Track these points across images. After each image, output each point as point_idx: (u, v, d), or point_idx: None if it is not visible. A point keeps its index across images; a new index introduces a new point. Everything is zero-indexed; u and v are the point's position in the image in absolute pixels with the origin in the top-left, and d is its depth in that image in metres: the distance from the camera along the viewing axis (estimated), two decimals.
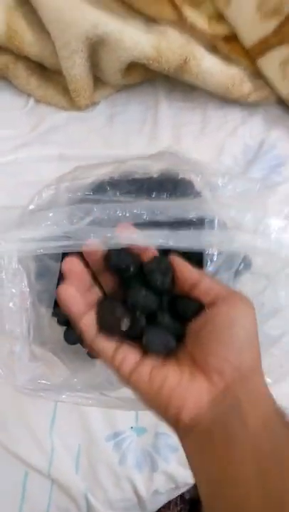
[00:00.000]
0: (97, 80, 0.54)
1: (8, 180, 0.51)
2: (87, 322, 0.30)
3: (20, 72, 0.52)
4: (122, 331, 0.29)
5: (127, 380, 0.28)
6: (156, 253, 0.32)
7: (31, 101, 0.55)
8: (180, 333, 0.31)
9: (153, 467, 0.41)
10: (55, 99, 0.54)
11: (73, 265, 0.31)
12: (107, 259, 0.31)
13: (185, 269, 0.31)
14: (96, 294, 0.32)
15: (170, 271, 0.31)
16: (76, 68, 0.49)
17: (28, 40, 0.49)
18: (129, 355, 0.29)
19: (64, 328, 0.40)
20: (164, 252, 0.33)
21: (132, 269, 0.31)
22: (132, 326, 0.30)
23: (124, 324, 0.29)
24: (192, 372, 0.28)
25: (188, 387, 0.27)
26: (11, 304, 0.35)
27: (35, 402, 0.42)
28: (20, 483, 0.40)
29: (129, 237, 0.32)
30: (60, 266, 0.33)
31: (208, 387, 0.27)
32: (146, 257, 0.32)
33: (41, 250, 0.32)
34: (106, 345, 0.29)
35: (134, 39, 0.47)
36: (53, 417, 0.42)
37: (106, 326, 0.30)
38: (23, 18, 0.48)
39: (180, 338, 0.31)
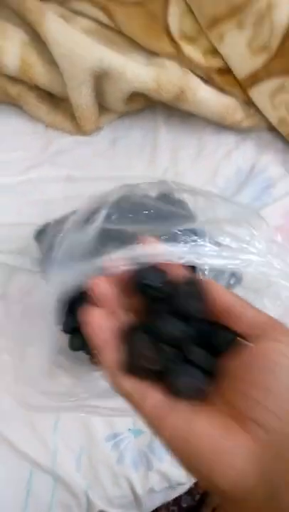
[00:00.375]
0: (102, 107, 0.58)
1: (19, 199, 0.55)
2: (112, 356, 0.25)
3: (32, 100, 0.56)
4: (150, 371, 0.25)
5: (156, 429, 0.24)
6: (186, 272, 0.29)
7: (41, 126, 0.59)
8: (211, 370, 0.26)
9: (148, 466, 0.44)
10: (63, 124, 0.58)
11: (102, 287, 0.27)
12: (135, 277, 0.28)
13: (221, 293, 0.27)
14: (120, 318, 0.28)
15: (203, 294, 0.27)
16: (82, 97, 0.54)
17: (39, 72, 0.53)
18: (148, 392, 0.25)
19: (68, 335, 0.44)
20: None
21: (163, 289, 0.27)
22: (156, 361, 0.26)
23: (155, 362, 0.25)
24: (226, 421, 0.23)
25: (224, 444, 0.22)
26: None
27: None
28: (26, 480, 0.43)
29: (157, 251, 0.28)
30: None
31: (249, 445, 0.22)
32: (174, 276, 0.28)
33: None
34: (124, 381, 0.25)
35: (136, 72, 0.51)
36: (56, 419, 0.45)
37: (136, 364, 0.25)
38: (36, 52, 0.53)
39: (211, 376, 0.26)
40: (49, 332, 0.31)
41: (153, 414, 0.24)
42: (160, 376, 0.25)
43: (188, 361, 0.26)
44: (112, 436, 0.45)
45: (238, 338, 0.26)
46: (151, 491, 0.45)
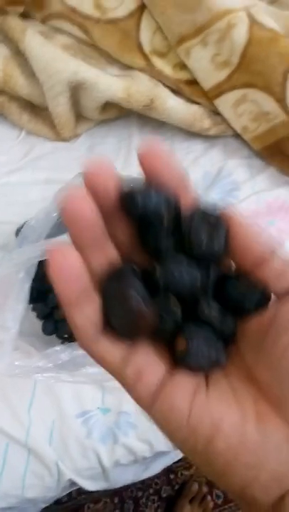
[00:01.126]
0: (79, 115, 0.63)
1: (1, 199, 0.60)
2: (87, 313, 0.19)
3: (14, 110, 0.61)
4: (142, 332, 0.19)
5: (147, 408, 0.19)
6: (203, 202, 0.21)
7: (23, 133, 0.64)
8: (232, 331, 0.21)
9: (114, 440, 0.49)
10: (44, 131, 0.63)
11: (81, 204, 0.18)
12: (126, 199, 0.19)
13: (251, 234, 0.20)
14: (106, 255, 0.20)
15: (224, 231, 0.20)
16: (60, 106, 0.59)
17: (20, 84, 0.58)
18: (148, 369, 0.19)
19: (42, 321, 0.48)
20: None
21: (166, 219, 0.20)
22: (159, 321, 0.19)
23: (150, 319, 0.19)
24: (258, 407, 0.18)
25: (259, 441, 0.17)
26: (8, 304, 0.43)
27: (17, 385, 0.50)
28: (2, 453, 0.48)
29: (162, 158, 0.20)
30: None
31: (287, 435, 0.18)
32: (187, 204, 0.20)
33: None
34: (111, 351, 0.19)
35: (108, 83, 0.56)
36: (31, 397, 0.50)
37: (118, 322, 0.19)
38: (17, 66, 0.58)
39: (231, 342, 0.21)
40: (15, 307, 0.35)
41: (150, 389, 0.19)
42: (161, 341, 0.21)
43: (201, 322, 0.20)
44: (82, 414, 0.49)
45: (269, 296, 0.20)
46: (118, 463, 0.49)
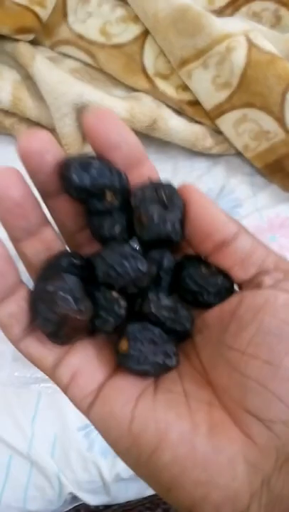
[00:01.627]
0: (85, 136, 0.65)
1: None
2: (11, 309, 0.17)
3: (23, 131, 0.64)
4: (73, 335, 0.17)
5: (85, 413, 0.18)
6: (155, 173, 0.19)
7: None
8: (185, 329, 0.18)
9: (115, 454, 0.49)
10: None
11: (7, 190, 0.16)
12: (61, 174, 0.18)
13: (211, 214, 0.17)
14: (46, 240, 0.18)
15: (180, 210, 0.18)
16: (67, 127, 0.61)
17: (29, 106, 0.61)
18: (85, 371, 0.18)
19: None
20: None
21: (109, 196, 0.18)
22: (96, 316, 0.18)
23: (81, 322, 0.17)
24: (212, 415, 0.16)
25: (210, 454, 0.15)
26: None
27: (21, 398, 0.51)
28: (5, 464, 0.48)
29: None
30: None
31: (243, 448, 0.15)
32: (139, 179, 0.18)
33: None
34: (41, 351, 0.18)
35: (111, 104, 0.58)
36: (35, 410, 0.50)
37: (45, 324, 0.17)
38: (26, 89, 0.60)
39: (184, 338, 0.19)
40: None
41: (85, 392, 0.17)
42: (102, 340, 0.18)
43: (150, 318, 0.18)
44: (83, 427, 0.50)
45: (232, 284, 0.18)
46: (119, 477, 0.49)
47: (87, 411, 0.18)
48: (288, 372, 0.15)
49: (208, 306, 0.19)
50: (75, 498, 0.50)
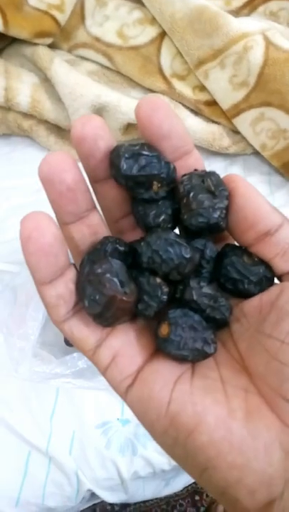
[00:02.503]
0: None
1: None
2: (59, 290, 0.18)
3: (42, 132, 0.65)
4: (118, 317, 0.18)
5: (122, 395, 0.18)
6: (202, 164, 0.19)
7: None
8: (224, 318, 0.19)
9: (133, 452, 0.49)
10: (69, 152, 0.66)
11: (60, 176, 0.17)
12: (110, 161, 0.18)
13: (255, 205, 0.18)
14: (92, 226, 0.19)
15: (227, 198, 0.18)
16: None
17: (47, 108, 0.62)
18: (125, 353, 0.18)
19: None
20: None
21: (155, 186, 0.18)
22: (139, 301, 0.18)
23: (126, 305, 0.17)
24: (249, 402, 0.17)
25: (246, 439, 0.16)
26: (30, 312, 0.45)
27: (40, 395, 0.52)
28: (24, 460, 0.49)
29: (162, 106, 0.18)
30: None
31: (280, 434, 0.16)
32: (186, 168, 0.19)
33: None
34: (85, 332, 0.18)
35: (129, 105, 0.59)
36: (53, 407, 0.51)
37: (92, 306, 0.17)
38: (45, 92, 0.61)
39: (222, 326, 0.19)
40: (35, 316, 0.37)
41: (124, 375, 0.17)
42: (144, 325, 0.19)
43: (190, 305, 0.18)
44: (101, 424, 0.50)
45: (272, 274, 0.18)
46: (136, 475, 0.49)
47: (125, 393, 0.18)
48: None
49: (248, 294, 0.19)
50: (93, 495, 0.50)
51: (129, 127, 0.63)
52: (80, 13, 0.66)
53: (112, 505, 0.87)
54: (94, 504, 0.55)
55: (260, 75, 0.58)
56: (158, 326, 0.18)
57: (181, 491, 0.75)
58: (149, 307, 0.18)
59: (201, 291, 0.18)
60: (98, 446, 0.49)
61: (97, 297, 0.17)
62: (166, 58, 0.64)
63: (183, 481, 0.59)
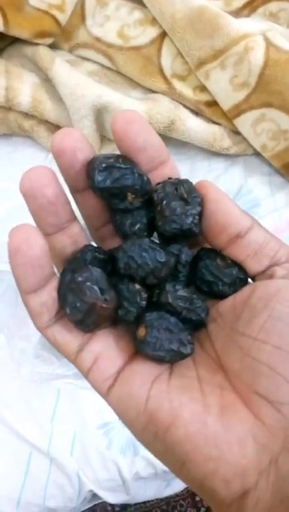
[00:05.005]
0: (104, 137, 0.66)
1: (30, 218, 0.63)
2: (43, 298, 0.18)
3: (42, 133, 0.65)
4: (99, 323, 0.18)
5: (104, 396, 0.19)
6: (176, 173, 0.20)
7: (51, 155, 0.68)
8: (200, 319, 0.19)
9: (135, 452, 0.49)
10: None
11: (41, 188, 0.18)
12: (89, 173, 0.19)
13: (226, 209, 0.18)
14: (73, 235, 0.20)
15: (199, 204, 0.19)
16: (85, 129, 0.62)
17: (48, 108, 0.62)
18: (105, 356, 0.19)
19: None
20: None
21: (130, 197, 0.19)
22: (119, 307, 0.19)
23: (106, 312, 0.18)
24: (223, 398, 0.17)
25: (221, 432, 0.16)
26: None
27: (41, 396, 0.51)
28: (25, 461, 0.49)
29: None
30: None
31: (253, 429, 0.16)
32: (161, 177, 0.20)
33: None
34: (67, 338, 0.19)
35: (130, 106, 0.59)
36: (54, 408, 0.51)
37: (73, 313, 0.18)
38: (46, 92, 0.61)
39: (199, 326, 0.20)
40: None
41: (105, 375, 0.18)
42: (124, 329, 0.19)
43: (167, 308, 0.19)
44: (102, 425, 0.50)
45: (245, 275, 0.19)
46: (138, 476, 0.49)
47: (106, 393, 0.19)
48: None
49: (222, 295, 0.20)
50: (94, 496, 0.50)
51: None
52: (80, 13, 0.66)
53: (112, 505, 0.87)
54: (94, 505, 0.55)
55: (260, 76, 0.58)
56: (136, 329, 0.19)
57: (182, 491, 0.75)
58: (129, 313, 0.19)
59: (176, 294, 0.19)
60: (99, 447, 0.49)
61: (78, 304, 0.18)
62: (167, 59, 0.64)
63: (185, 484, 0.60)
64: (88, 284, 0.18)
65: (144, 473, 0.49)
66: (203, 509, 0.91)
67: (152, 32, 0.64)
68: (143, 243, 0.19)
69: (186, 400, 0.18)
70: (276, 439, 0.16)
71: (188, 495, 0.92)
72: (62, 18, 0.64)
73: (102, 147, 0.66)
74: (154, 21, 0.64)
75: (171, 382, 0.18)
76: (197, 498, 0.92)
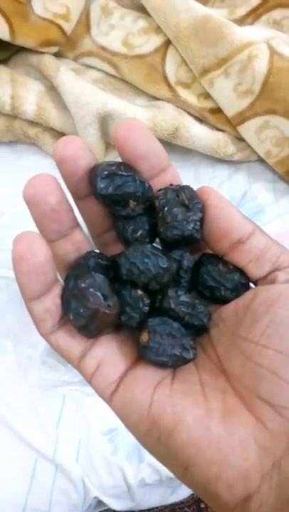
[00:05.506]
0: (108, 144, 0.66)
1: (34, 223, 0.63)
2: (46, 305, 0.18)
3: (47, 140, 0.65)
4: (102, 329, 0.18)
5: (107, 401, 0.19)
6: (178, 179, 0.20)
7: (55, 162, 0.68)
8: (203, 324, 0.19)
9: (140, 459, 0.49)
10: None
11: (44, 195, 0.18)
12: (91, 180, 0.19)
13: (228, 215, 0.18)
14: (76, 242, 0.20)
15: (200, 210, 0.19)
16: (90, 136, 0.62)
17: (53, 116, 0.62)
18: (108, 361, 0.19)
19: None
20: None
21: (132, 204, 0.19)
22: (122, 313, 0.19)
23: (110, 318, 0.18)
24: (226, 402, 0.17)
25: (223, 436, 0.16)
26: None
27: (46, 402, 0.52)
28: (31, 467, 0.49)
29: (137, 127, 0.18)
30: None
31: (256, 433, 0.16)
32: (163, 184, 0.20)
33: None
34: (70, 343, 0.19)
35: (134, 113, 0.59)
36: (60, 414, 0.51)
37: (77, 319, 0.18)
38: (51, 100, 0.62)
39: (202, 331, 0.20)
40: None
41: (108, 381, 0.18)
42: (127, 334, 0.20)
43: (169, 313, 0.19)
44: (108, 431, 0.50)
45: (247, 280, 0.19)
46: (143, 482, 0.49)
47: (109, 398, 0.19)
48: None
49: (224, 301, 0.20)
50: (99, 502, 0.50)
51: None
52: (85, 23, 0.67)
53: None
54: (99, 511, 0.55)
55: (264, 84, 0.58)
56: (139, 334, 0.19)
57: (187, 498, 0.74)
58: (132, 318, 0.19)
59: (178, 299, 0.19)
60: (105, 453, 0.49)
61: (82, 311, 0.18)
62: (171, 67, 0.64)
63: (189, 488, 0.59)
64: (91, 290, 0.18)
65: (149, 479, 0.49)
66: None
67: (157, 40, 0.64)
68: (145, 249, 0.19)
69: (188, 404, 0.18)
70: (279, 443, 0.16)
71: (193, 502, 0.91)
72: (68, 27, 0.65)
73: (107, 154, 0.67)
74: (158, 30, 0.64)
75: (173, 386, 0.19)
76: (202, 505, 0.92)
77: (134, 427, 0.18)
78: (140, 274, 0.18)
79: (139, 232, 0.20)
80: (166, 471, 0.50)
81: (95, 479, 0.48)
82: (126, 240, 0.20)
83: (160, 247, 0.20)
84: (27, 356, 0.45)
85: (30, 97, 0.62)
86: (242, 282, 0.20)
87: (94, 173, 0.19)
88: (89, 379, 0.19)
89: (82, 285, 0.18)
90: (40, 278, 0.18)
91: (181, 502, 0.91)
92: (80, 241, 0.20)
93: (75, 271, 0.19)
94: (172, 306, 0.19)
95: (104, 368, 0.19)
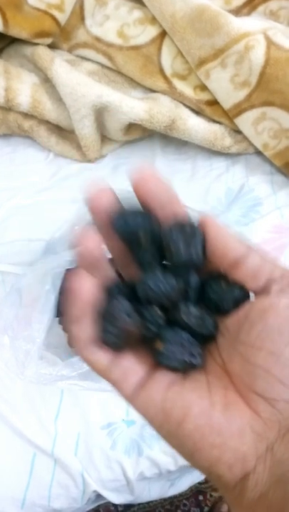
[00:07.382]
0: (104, 137, 0.66)
1: (31, 217, 0.63)
2: (84, 328, 0.21)
3: (43, 133, 0.65)
4: (129, 343, 0.22)
5: (132, 403, 0.22)
6: (184, 214, 0.23)
7: (51, 155, 0.67)
8: (211, 333, 0.23)
9: (139, 453, 0.49)
10: (70, 153, 0.66)
11: (88, 246, 0.22)
12: (110, 222, 0.22)
13: (225, 239, 0.21)
14: (105, 274, 0.23)
15: (201, 239, 0.22)
16: (86, 129, 0.62)
17: (48, 109, 0.61)
18: (131, 370, 0.22)
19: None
20: None
21: (142, 238, 0.22)
22: (144, 330, 0.22)
23: (135, 333, 0.22)
24: (227, 397, 0.20)
25: (223, 424, 0.19)
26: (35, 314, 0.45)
27: (44, 397, 0.51)
28: (29, 462, 0.49)
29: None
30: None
31: (253, 423, 0.19)
32: (166, 216, 0.22)
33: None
34: (101, 357, 0.22)
35: (130, 105, 0.59)
36: (58, 408, 0.51)
37: (110, 337, 0.22)
38: (45, 92, 0.61)
39: (210, 339, 0.23)
40: (41, 318, 0.37)
41: (132, 385, 0.21)
42: (146, 346, 0.23)
43: (180, 324, 0.22)
44: (106, 425, 0.50)
45: (247, 293, 0.22)
46: (142, 476, 0.49)
47: (133, 400, 0.22)
48: (288, 360, 0.20)
49: (228, 312, 0.23)
50: (98, 496, 0.50)
51: (130, 127, 0.63)
52: (79, 13, 0.66)
53: (115, 505, 0.87)
54: (98, 505, 0.55)
55: (261, 75, 0.58)
56: (155, 344, 0.23)
57: (185, 491, 0.75)
58: (150, 331, 0.22)
59: (189, 312, 0.23)
60: (103, 448, 0.49)
61: (111, 329, 0.22)
62: (167, 58, 0.64)
63: (188, 481, 0.60)
64: (117, 311, 0.22)
65: (148, 473, 0.49)
66: (206, 508, 0.92)
67: (152, 31, 0.64)
68: (157, 273, 0.22)
69: (195, 398, 0.21)
70: (271, 430, 0.19)
71: (191, 494, 0.92)
72: (62, 17, 0.64)
73: (102, 146, 0.66)
74: (153, 20, 0.64)
75: (184, 385, 0.22)
76: (200, 498, 0.92)
77: (152, 420, 0.21)
78: (155, 295, 0.22)
79: (154, 260, 0.23)
80: (165, 465, 0.50)
81: (94, 473, 0.48)
82: (142, 267, 0.24)
83: (170, 268, 0.24)
84: (24, 351, 0.44)
85: (25, 89, 0.61)
86: (242, 295, 0.23)
87: (114, 218, 0.22)
88: (118, 387, 0.22)
89: (110, 309, 0.22)
90: (85, 307, 0.21)
91: (180, 494, 0.91)
92: (109, 272, 0.24)
93: (103, 298, 0.23)
94: (184, 318, 0.22)
95: (128, 375, 0.22)
